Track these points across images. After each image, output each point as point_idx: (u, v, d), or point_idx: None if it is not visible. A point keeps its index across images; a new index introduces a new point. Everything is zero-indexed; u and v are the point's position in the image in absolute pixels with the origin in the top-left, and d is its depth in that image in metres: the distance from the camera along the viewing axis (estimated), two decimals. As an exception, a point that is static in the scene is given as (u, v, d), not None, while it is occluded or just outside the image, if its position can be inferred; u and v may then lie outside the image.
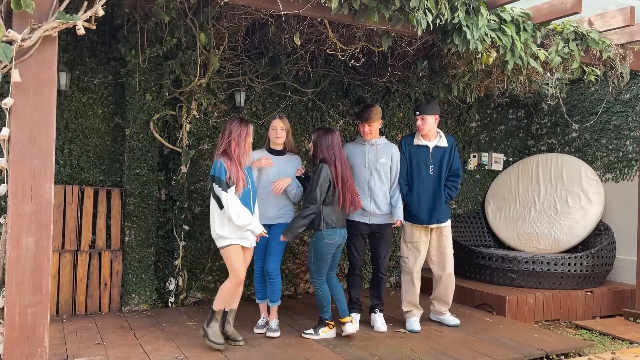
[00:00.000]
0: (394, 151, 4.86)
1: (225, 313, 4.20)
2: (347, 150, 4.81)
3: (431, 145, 4.93)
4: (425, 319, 5.11)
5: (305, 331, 4.52)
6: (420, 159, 4.92)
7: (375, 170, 4.77)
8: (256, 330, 4.57)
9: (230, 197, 3.96)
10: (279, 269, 4.55)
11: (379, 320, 4.82)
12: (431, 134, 4.94)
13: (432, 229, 4.95)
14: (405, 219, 4.91)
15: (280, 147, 4.68)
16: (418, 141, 4.96)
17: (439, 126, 5.12)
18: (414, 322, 4.89)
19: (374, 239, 4.84)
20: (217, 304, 4.11)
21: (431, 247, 5.01)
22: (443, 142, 4.96)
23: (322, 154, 4.40)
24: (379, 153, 4.78)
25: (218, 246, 4.12)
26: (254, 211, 4.21)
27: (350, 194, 4.43)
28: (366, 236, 4.84)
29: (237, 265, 4.06)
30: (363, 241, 4.86)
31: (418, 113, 4.90)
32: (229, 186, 3.97)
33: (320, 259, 4.36)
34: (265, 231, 4.16)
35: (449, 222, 5.00)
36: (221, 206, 4.01)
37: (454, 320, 5.03)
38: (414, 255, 4.96)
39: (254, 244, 4.22)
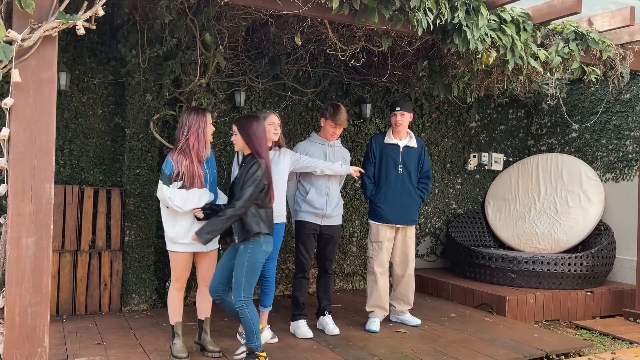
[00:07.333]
0: (347, 155, 4.80)
1: (201, 322, 4.04)
2: (305, 149, 4.58)
3: (402, 144, 4.90)
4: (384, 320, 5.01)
5: None
6: (390, 157, 4.87)
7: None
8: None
9: (170, 190, 3.66)
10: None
11: (330, 323, 4.64)
12: (403, 132, 4.92)
13: (397, 229, 4.91)
14: (371, 218, 4.89)
15: (270, 144, 4.37)
16: (389, 139, 4.91)
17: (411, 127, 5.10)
18: (373, 323, 4.81)
19: (322, 240, 4.66)
20: (171, 318, 3.91)
21: (395, 247, 4.95)
22: (413, 143, 4.94)
23: (254, 145, 3.68)
24: (336, 155, 4.68)
25: (166, 247, 3.88)
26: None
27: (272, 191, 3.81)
28: (315, 236, 4.62)
29: (180, 271, 3.85)
30: (313, 241, 4.63)
31: (398, 108, 4.83)
32: (171, 182, 3.68)
33: (255, 272, 3.62)
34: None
35: (415, 224, 4.97)
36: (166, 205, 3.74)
37: (416, 320, 4.97)
38: (379, 255, 4.87)
39: (209, 248, 3.88)
